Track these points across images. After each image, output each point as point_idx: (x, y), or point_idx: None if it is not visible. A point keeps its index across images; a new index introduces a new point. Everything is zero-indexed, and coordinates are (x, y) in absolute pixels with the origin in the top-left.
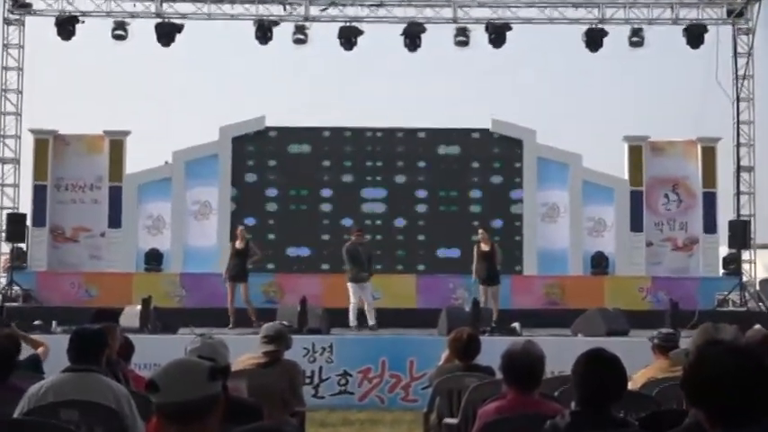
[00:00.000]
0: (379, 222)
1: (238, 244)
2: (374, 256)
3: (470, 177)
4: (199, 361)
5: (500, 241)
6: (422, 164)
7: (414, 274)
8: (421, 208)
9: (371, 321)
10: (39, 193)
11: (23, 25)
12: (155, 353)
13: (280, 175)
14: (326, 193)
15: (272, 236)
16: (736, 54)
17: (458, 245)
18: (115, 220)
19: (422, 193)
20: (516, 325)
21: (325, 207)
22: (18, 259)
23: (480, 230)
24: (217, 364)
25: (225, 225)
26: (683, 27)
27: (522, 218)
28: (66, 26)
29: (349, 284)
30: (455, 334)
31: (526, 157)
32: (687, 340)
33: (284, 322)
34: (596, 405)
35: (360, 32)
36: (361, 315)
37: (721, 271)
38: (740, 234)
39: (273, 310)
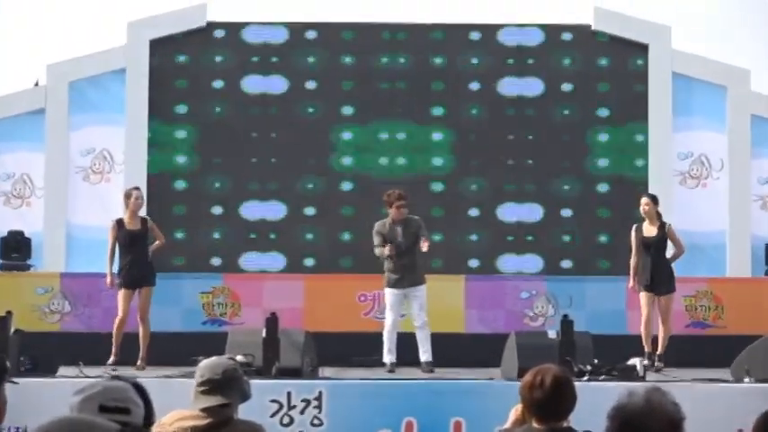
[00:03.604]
0: (397, 176)
1: (129, 222)
2: (429, 238)
3: (557, 107)
4: (100, 423)
5: (611, 218)
6: (474, 85)
7: (460, 274)
8: (473, 160)
9: (425, 355)
10: None
11: None
12: (19, 408)
13: (231, 105)
14: (310, 133)
15: (217, 210)
16: None
17: (535, 227)
18: None
19: (475, 135)
20: (636, 362)
21: (310, 160)
22: None
23: (643, 199)
24: (130, 422)
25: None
26: None
27: (645, 178)
28: None
29: (386, 291)
30: (532, 378)
31: (654, 74)
32: None
33: (238, 357)
34: None
35: None
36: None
37: None
38: None
39: (221, 335)
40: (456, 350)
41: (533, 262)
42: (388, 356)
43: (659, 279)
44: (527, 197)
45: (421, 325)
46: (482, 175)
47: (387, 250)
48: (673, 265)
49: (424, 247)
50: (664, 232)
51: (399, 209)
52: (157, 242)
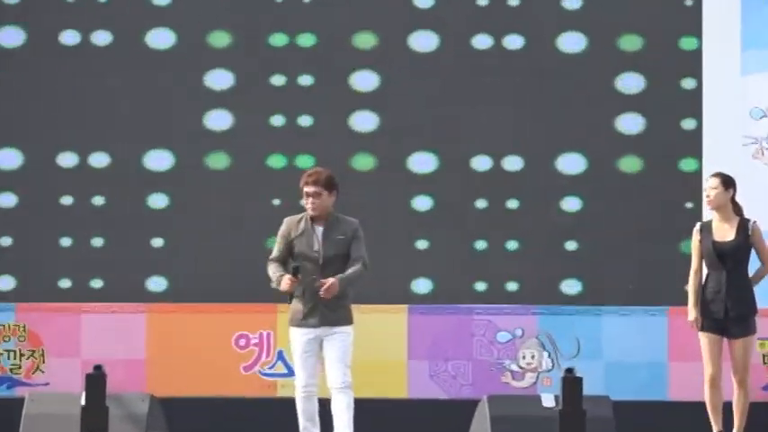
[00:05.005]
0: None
1: None
2: (363, 256)
3: (560, 38)
4: None
5: (643, 212)
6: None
7: (401, 303)
8: (409, 115)
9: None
10: None
11: None
12: None
13: (38, 30)
14: (168, 80)
15: (8, 200)
16: None
17: (521, 228)
18: None
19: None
20: None
21: (165, 120)
22: None
23: (710, 180)
24: None
25: None
26: None
27: (698, 147)
28: None
29: (291, 332)
30: None
31: None
32: None
33: None
34: None
35: None
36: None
37: None
38: None
39: (12, 403)
40: (394, 426)
41: (518, 283)
42: None
43: (736, 312)
44: (508, 180)
45: (340, 386)
46: (438, 139)
47: (284, 282)
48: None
49: (322, 288)
50: (746, 235)
51: (308, 197)
52: None
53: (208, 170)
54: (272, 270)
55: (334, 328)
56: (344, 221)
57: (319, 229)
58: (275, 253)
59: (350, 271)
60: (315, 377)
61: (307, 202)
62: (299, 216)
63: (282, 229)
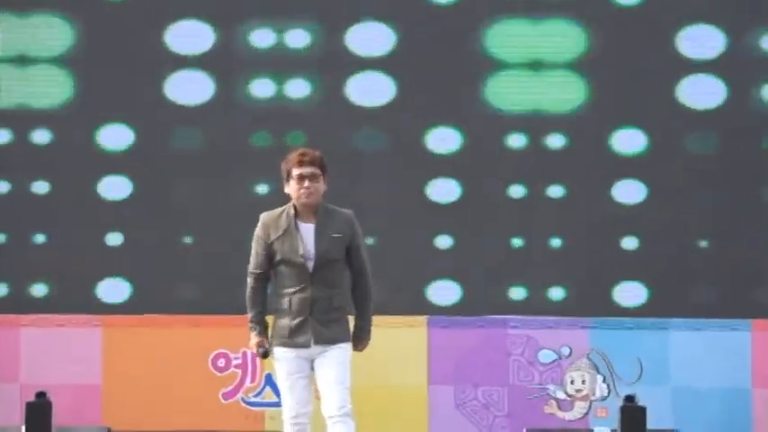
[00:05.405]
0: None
1: None
2: (366, 267)
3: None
4: None
5: (720, 204)
6: None
7: (421, 314)
8: (422, 93)
9: None
10: None
11: None
12: None
13: None
14: (132, 42)
15: None
16: None
17: (569, 221)
18: None
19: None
20: None
21: (126, 91)
22: None
23: None
24: None
25: None
26: None
27: None
28: None
29: (276, 353)
30: None
31: None
32: None
33: None
34: None
35: None
36: None
37: None
38: None
39: None
40: None
41: (564, 289)
42: None
43: None
44: (551, 161)
45: (339, 414)
46: (463, 111)
47: (252, 344)
48: None
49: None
50: None
51: (302, 181)
52: None
53: (176, 150)
54: (250, 301)
55: (331, 347)
56: (338, 214)
57: (307, 227)
58: (253, 265)
59: (364, 306)
60: (307, 405)
61: (299, 188)
62: (279, 211)
63: (258, 230)
